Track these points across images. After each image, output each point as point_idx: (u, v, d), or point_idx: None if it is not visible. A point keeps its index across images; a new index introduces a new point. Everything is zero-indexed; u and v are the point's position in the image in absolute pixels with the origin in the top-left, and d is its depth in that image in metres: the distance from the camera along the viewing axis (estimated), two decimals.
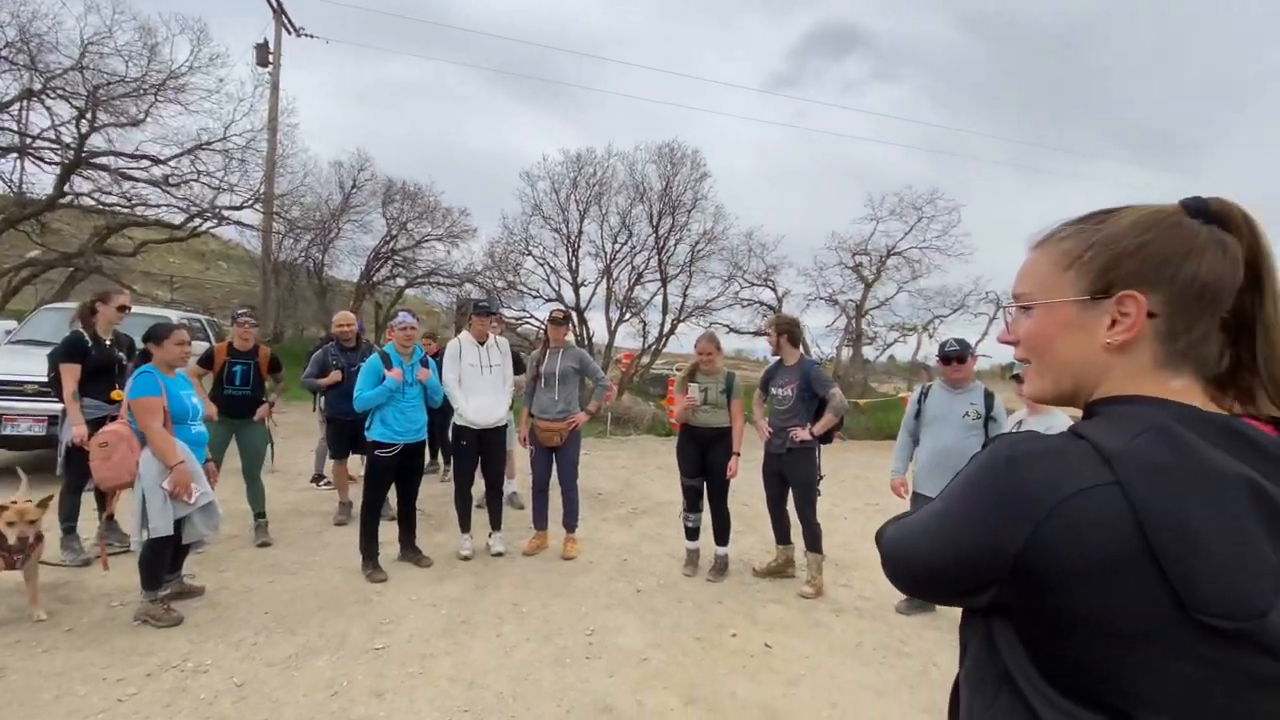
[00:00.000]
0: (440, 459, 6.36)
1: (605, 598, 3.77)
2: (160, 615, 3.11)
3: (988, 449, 0.65)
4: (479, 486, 4.51)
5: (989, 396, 3.57)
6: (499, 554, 4.33)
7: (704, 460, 4.19)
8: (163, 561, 3.16)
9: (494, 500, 4.47)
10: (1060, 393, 0.70)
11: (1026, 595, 0.59)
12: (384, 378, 3.91)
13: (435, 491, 5.78)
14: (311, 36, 16.14)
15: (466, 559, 4.24)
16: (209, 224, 13.73)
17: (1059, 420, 3.04)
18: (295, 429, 8.47)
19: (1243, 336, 0.64)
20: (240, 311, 4.54)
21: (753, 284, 15.84)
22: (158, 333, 3.26)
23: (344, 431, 4.87)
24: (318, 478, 5.92)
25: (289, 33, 15.82)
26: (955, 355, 3.58)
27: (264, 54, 14.95)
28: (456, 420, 4.32)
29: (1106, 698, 0.57)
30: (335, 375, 4.80)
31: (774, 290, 16.16)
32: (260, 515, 4.43)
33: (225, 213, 13.28)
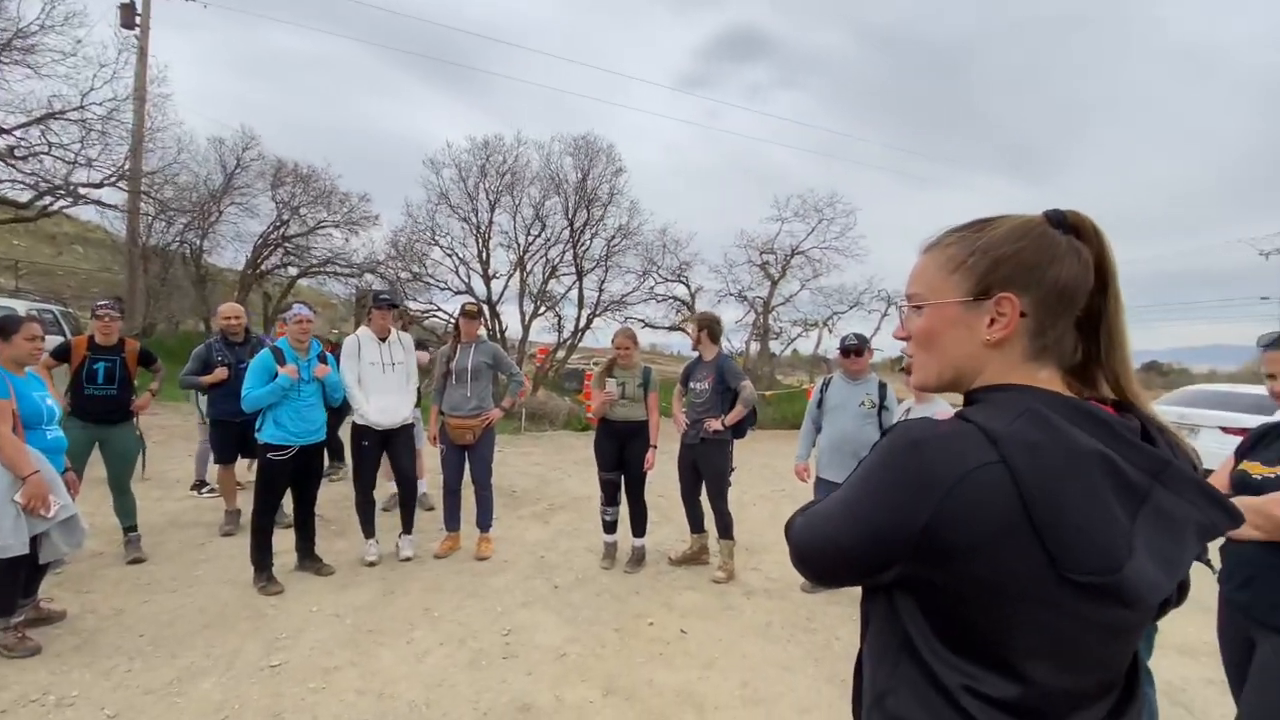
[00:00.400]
0: (343, 461, 6.00)
1: (522, 596, 3.73)
2: (14, 645, 2.74)
3: (889, 435, 0.71)
4: (384, 489, 4.31)
5: (882, 387, 3.86)
6: (408, 558, 4.16)
7: (621, 454, 4.24)
8: (16, 584, 2.78)
9: (404, 502, 4.29)
10: (943, 382, 0.78)
11: (929, 567, 0.65)
12: (275, 375, 3.64)
13: (336, 495, 5.45)
14: None
15: (372, 565, 4.04)
16: (62, 203, 12.15)
17: (942, 407, 3.33)
18: (171, 432, 7.70)
19: (1091, 333, 0.73)
20: (101, 303, 4.04)
21: (667, 279, 16.13)
22: (5, 326, 2.86)
23: (230, 434, 4.48)
24: (199, 484, 5.42)
25: None
26: (853, 349, 3.85)
27: (129, 15, 13.33)
28: (357, 420, 4.10)
29: (995, 652, 0.65)
30: (221, 372, 4.41)
31: (687, 286, 16.53)
32: (131, 529, 3.99)
33: (82, 190, 11.80)
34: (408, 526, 4.27)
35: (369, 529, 4.15)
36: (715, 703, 2.74)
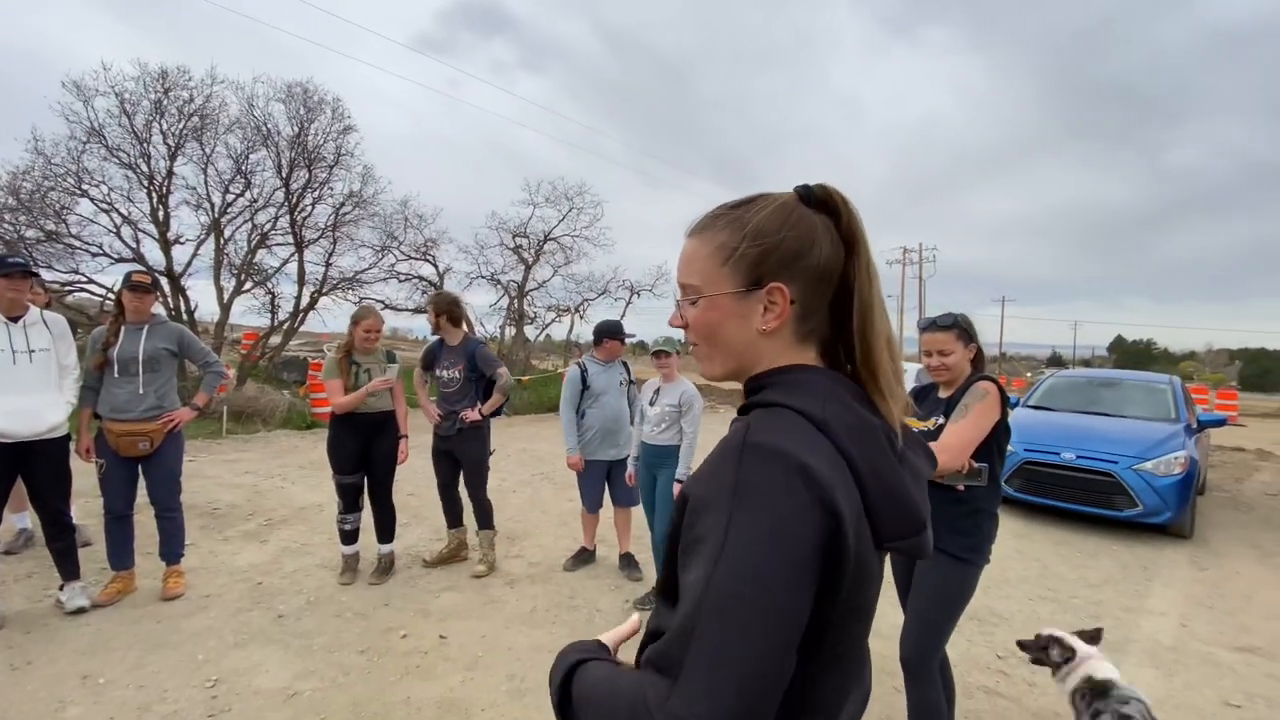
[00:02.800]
0: None
1: (232, 636, 3.04)
2: None
3: (729, 453, 0.63)
4: (8, 526, 3.11)
5: (626, 366, 4.13)
6: (80, 609, 3.12)
7: (367, 451, 3.75)
8: None
9: (59, 539, 3.17)
10: (729, 372, 0.78)
11: (832, 567, 0.61)
12: None
13: None
14: None
15: None
16: None
17: (688, 386, 3.64)
18: None
19: (839, 306, 0.74)
20: None
21: (410, 257, 14.87)
22: None
23: None
24: None
25: None
26: (618, 335, 3.99)
27: None
28: None
29: (834, 643, 0.66)
30: None
31: (435, 265, 15.48)
32: None
33: None
34: (70, 572, 3.21)
35: None
36: (482, 704, 2.59)
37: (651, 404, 3.65)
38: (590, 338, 4.17)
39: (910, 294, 32.13)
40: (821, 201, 0.73)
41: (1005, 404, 1.98)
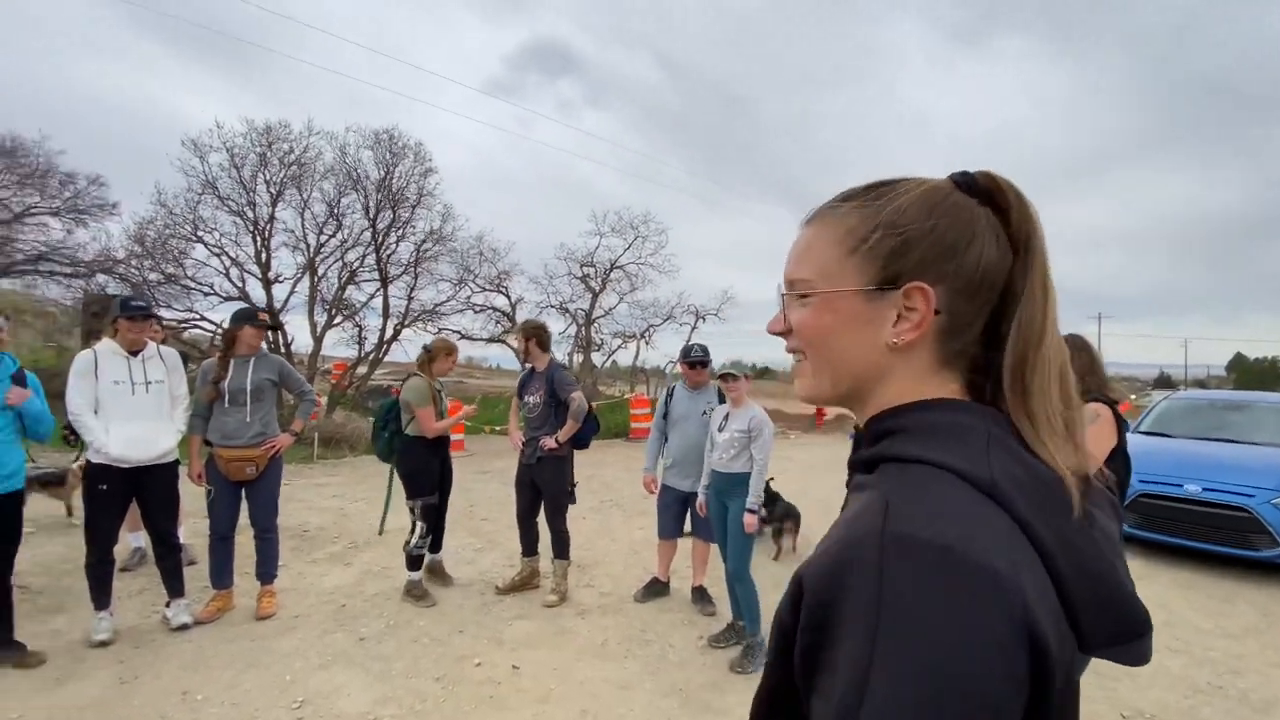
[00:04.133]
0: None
1: (318, 657, 3.15)
2: None
3: (863, 547, 0.45)
4: (123, 544, 3.38)
5: (721, 396, 3.91)
6: (184, 626, 3.33)
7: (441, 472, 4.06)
8: None
9: (167, 558, 3.41)
10: (839, 393, 0.60)
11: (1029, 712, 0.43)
12: None
13: (48, 557, 4.21)
14: None
15: (104, 645, 3.12)
16: None
17: (757, 411, 3.51)
18: None
19: (993, 326, 0.57)
20: None
21: (485, 289, 15.48)
22: None
23: None
24: None
25: None
26: (700, 361, 3.92)
27: None
28: (92, 457, 3.18)
29: None
30: None
31: (507, 296, 16.04)
32: None
33: None
34: (176, 589, 3.43)
35: (102, 598, 3.21)
36: None
37: (720, 430, 3.52)
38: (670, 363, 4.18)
39: None
40: (985, 191, 0.57)
41: (1121, 430, 1.78)
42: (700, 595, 3.93)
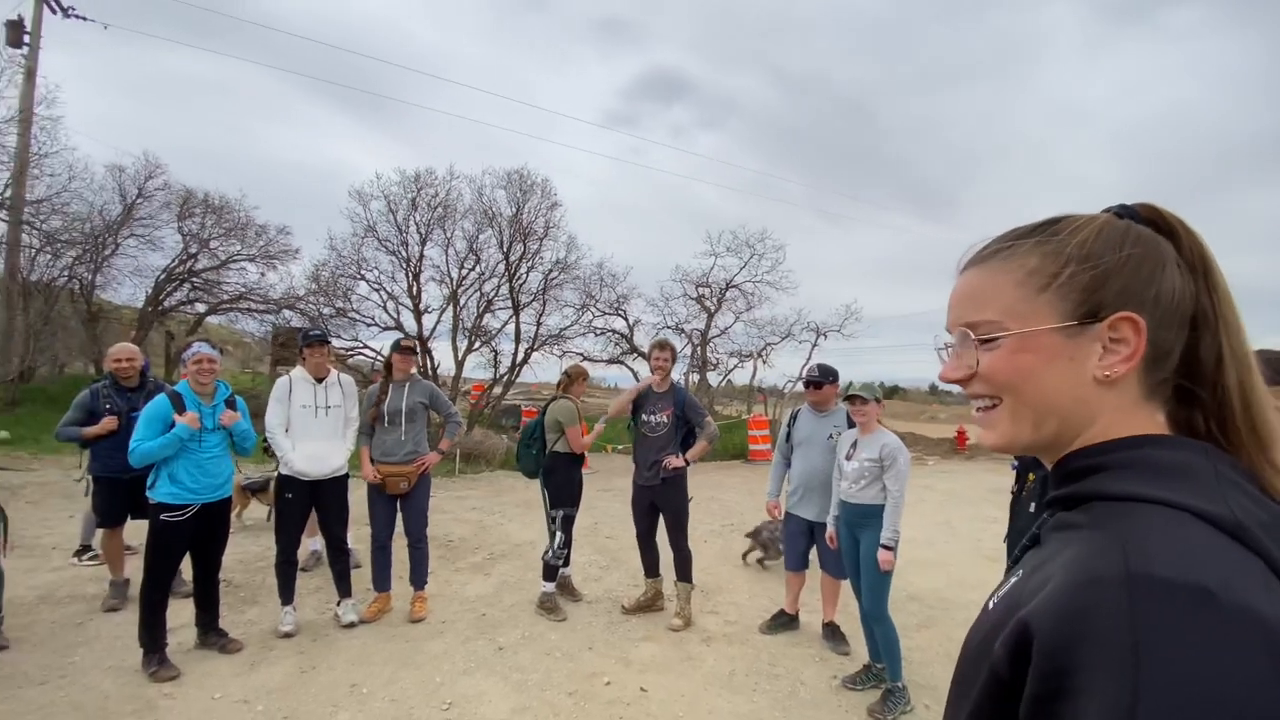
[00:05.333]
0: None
1: (463, 662, 3.37)
2: None
3: (1103, 591, 0.42)
4: (302, 546, 3.86)
5: (850, 420, 3.67)
6: (351, 624, 3.73)
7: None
8: None
9: (339, 561, 3.85)
10: (1041, 437, 0.58)
11: None
12: (173, 423, 3.21)
13: (246, 556, 4.89)
14: (83, 18, 13.61)
15: (288, 636, 3.57)
16: None
17: (890, 437, 3.27)
18: (47, 490, 6.77)
19: (1188, 351, 0.56)
20: None
21: (605, 313, 16.04)
22: None
23: (116, 492, 3.90)
24: (82, 550, 4.72)
25: (53, 10, 13.20)
26: (815, 381, 3.75)
27: (17, 33, 12.28)
28: (282, 470, 3.70)
29: None
30: (109, 422, 3.86)
31: (625, 319, 16.49)
32: None
33: None
34: (345, 590, 3.84)
35: (287, 594, 3.68)
36: None
37: (848, 458, 3.29)
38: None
39: None
40: (1150, 222, 0.57)
41: None
42: (832, 632, 3.73)
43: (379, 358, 12.68)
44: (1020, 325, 0.56)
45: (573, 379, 4.34)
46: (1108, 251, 0.55)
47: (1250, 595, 0.40)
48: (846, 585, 3.67)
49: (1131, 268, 0.54)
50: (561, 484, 4.14)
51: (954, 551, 5.66)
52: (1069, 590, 0.45)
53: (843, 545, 3.38)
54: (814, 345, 17.48)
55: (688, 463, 3.92)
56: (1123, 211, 0.58)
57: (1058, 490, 0.56)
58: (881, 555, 3.04)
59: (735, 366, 18.11)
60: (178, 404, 3.27)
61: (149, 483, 3.25)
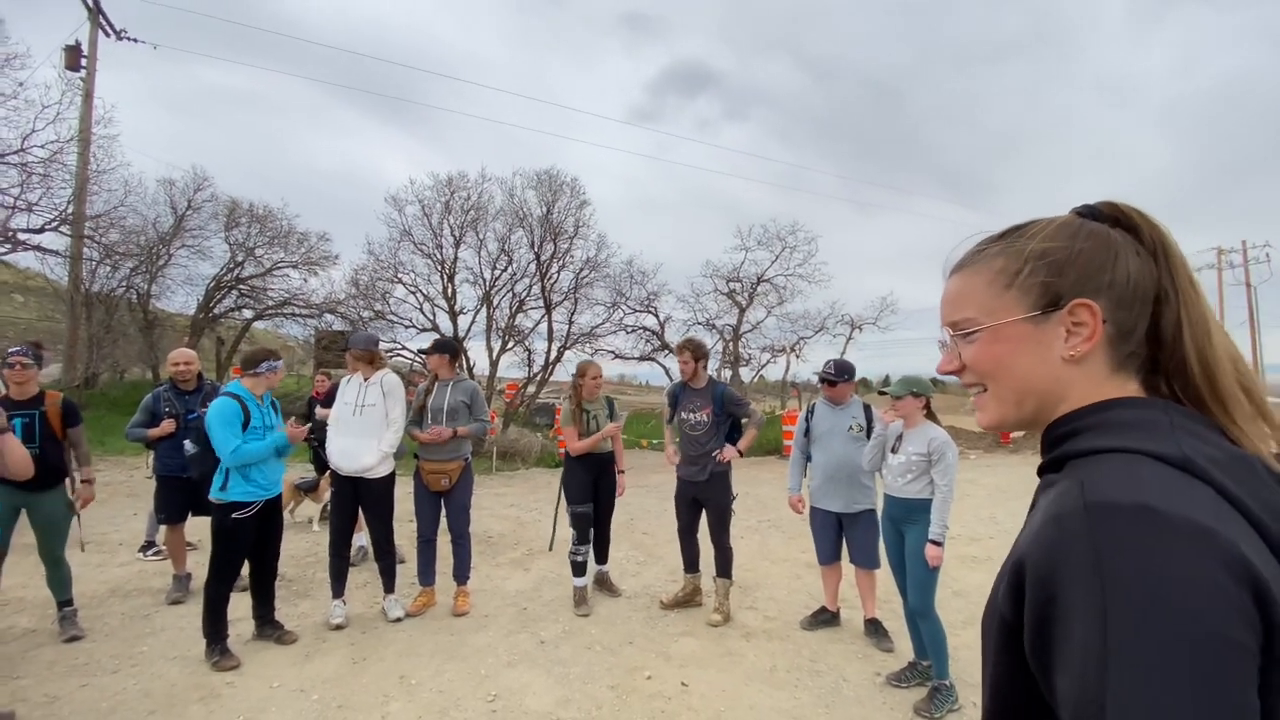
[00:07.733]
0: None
1: (506, 655, 3.44)
2: None
3: (1065, 523, 0.51)
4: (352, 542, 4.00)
5: (867, 409, 3.76)
6: (398, 619, 3.84)
7: (596, 485, 4.23)
8: None
9: (384, 558, 3.97)
10: (1023, 415, 0.66)
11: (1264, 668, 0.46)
12: (246, 423, 3.39)
13: (297, 551, 5.08)
14: (135, 40, 14.28)
15: (339, 628, 3.70)
16: (0, 249, 11.48)
17: (937, 431, 3.22)
18: (114, 489, 7.15)
19: (1154, 327, 0.63)
20: (13, 350, 3.51)
21: (636, 310, 16.09)
22: None
23: (177, 490, 4.10)
24: (147, 545, 4.98)
25: (107, 34, 13.88)
26: (828, 379, 3.74)
27: (75, 57, 12.97)
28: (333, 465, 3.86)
29: None
30: (167, 425, 4.07)
31: (656, 316, 16.52)
32: (66, 603, 3.60)
33: (22, 236, 11.19)
34: (389, 585, 3.96)
35: (338, 587, 3.82)
36: None
37: (894, 451, 3.27)
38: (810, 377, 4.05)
39: (1237, 306, 24.70)
40: (1110, 218, 0.64)
41: None
42: (875, 629, 3.68)
43: (416, 359, 12.99)
44: (992, 319, 0.65)
45: (580, 376, 4.31)
46: (1061, 249, 0.62)
47: (1188, 508, 0.47)
48: (884, 580, 3.64)
49: (1084, 260, 0.61)
50: (568, 481, 4.26)
51: (1000, 547, 5.51)
52: (1044, 527, 0.53)
53: (887, 541, 3.35)
54: (848, 339, 17.25)
55: (740, 453, 3.92)
56: (1084, 211, 0.66)
57: (1045, 456, 0.64)
58: (930, 551, 2.99)
59: (768, 362, 17.99)
60: (243, 405, 3.40)
61: (219, 484, 3.36)
